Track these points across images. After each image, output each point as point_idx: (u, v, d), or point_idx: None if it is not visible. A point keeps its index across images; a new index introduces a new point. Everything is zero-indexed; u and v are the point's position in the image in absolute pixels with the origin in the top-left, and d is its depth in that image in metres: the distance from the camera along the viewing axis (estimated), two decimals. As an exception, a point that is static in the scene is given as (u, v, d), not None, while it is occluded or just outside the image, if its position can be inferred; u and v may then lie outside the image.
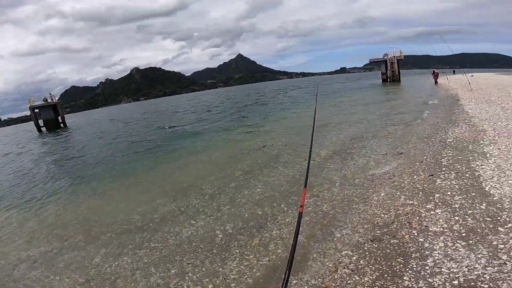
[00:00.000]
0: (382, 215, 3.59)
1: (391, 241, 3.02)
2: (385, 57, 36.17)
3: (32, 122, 37.92)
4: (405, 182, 4.42)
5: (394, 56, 35.60)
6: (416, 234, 3.05)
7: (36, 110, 36.41)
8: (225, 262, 3.31)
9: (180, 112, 32.71)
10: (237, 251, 3.48)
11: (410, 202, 3.78)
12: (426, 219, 3.28)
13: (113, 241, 4.29)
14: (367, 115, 11.88)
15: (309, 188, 4.83)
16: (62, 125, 37.63)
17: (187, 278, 3.16)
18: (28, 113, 36.94)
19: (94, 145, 15.38)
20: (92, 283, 3.38)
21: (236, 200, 4.97)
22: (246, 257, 3.34)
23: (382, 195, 4.14)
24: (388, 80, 36.27)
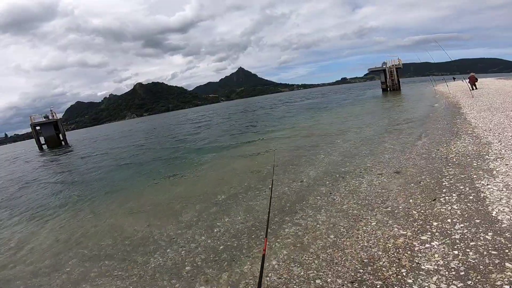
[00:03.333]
0: (370, 249, 3.06)
1: (375, 283, 2.51)
2: (384, 66, 35.98)
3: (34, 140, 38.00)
4: (400, 207, 3.88)
5: (393, 65, 35.40)
6: (405, 273, 2.55)
7: (38, 127, 36.56)
8: None
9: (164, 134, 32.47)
10: (202, 287, 3.06)
11: (403, 232, 3.25)
12: (419, 255, 2.78)
13: (79, 266, 4.04)
14: (364, 129, 11.34)
15: (292, 214, 4.32)
16: (63, 142, 37.59)
17: None
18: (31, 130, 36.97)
19: (85, 167, 14.98)
20: None
21: (214, 229, 4.44)
22: None
23: (372, 223, 3.59)
24: (388, 89, 35.93)
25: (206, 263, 3.51)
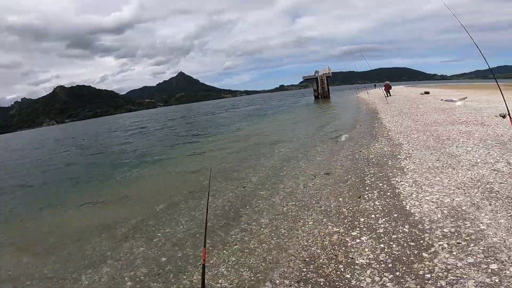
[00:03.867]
0: (310, 248, 3.24)
1: (318, 280, 2.64)
2: (316, 75, 39.21)
3: None
4: (332, 206, 4.22)
5: (324, 74, 38.83)
6: (342, 269, 2.73)
7: None
8: None
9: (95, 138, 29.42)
10: None
11: (336, 229, 3.52)
12: (352, 250, 3.02)
13: None
14: (299, 134, 12.14)
15: (237, 219, 4.30)
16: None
17: None
18: None
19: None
20: None
21: (153, 240, 4.12)
22: None
23: (309, 223, 3.82)
24: (320, 96, 39.20)
25: (150, 277, 3.27)
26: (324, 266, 2.85)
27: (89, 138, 29.26)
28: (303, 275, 2.78)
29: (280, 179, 6.01)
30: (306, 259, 3.02)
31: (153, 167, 9.85)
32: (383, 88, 23.44)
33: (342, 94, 45.32)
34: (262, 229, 3.94)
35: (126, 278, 3.34)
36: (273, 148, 9.75)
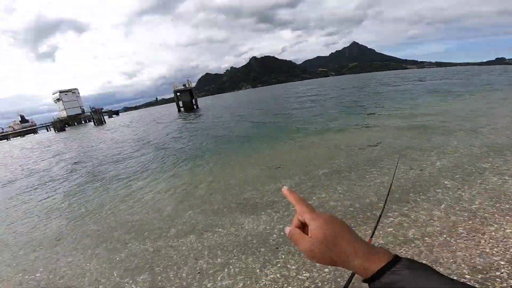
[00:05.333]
0: (491, 256, 2.64)
1: None
2: None
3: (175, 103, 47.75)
4: None
5: None
6: None
7: (178, 94, 45.43)
8: (265, 265, 3.20)
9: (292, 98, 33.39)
10: (283, 257, 3.29)
11: None
12: None
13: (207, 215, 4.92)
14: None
15: (401, 203, 4.03)
16: (195, 106, 45.58)
17: (226, 270, 3.25)
18: (173, 95, 46.52)
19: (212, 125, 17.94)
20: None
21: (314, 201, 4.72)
22: (287, 266, 3.12)
23: (507, 230, 3.00)
24: None
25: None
26: (498, 279, 2.33)
27: (284, 99, 34.61)
28: (462, 280, 2.35)
29: (478, 171, 4.82)
30: (478, 267, 2.51)
31: (327, 131, 10.58)
32: None
33: None
34: (431, 221, 3.46)
35: (275, 231, 3.88)
36: (477, 130, 7.60)
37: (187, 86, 45.22)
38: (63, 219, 5.99)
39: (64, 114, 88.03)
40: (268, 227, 4.03)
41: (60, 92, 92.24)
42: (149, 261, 3.72)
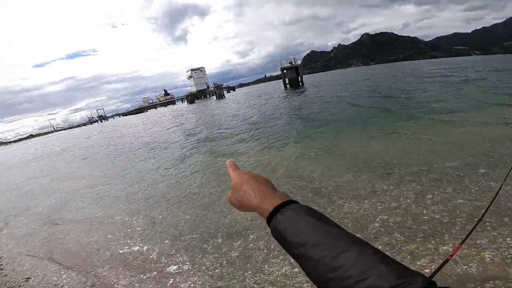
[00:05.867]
0: None
1: None
2: None
3: (281, 80, 49.36)
4: None
5: None
6: None
7: (284, 71, 46.62)
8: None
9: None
10: (380, 247, 2.90)
11: None
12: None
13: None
14: None
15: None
16: (300, 84, 46.00)
17: None
18: (279, 72, 48.11)
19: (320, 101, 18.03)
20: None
21: (426, 195, 4.14)
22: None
23: None
24: None
25: (398, 227, 3.44)
26: None
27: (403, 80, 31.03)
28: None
29: None
30: None
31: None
32: None
33: None
34: None
35: (377, 219, 3.68)
36: None
37: (293, 63, 45.67)
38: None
39: (194, 89, 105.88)
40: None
41: (192, 70, 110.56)
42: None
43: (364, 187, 4.76)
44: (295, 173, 6.02)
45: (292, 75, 45.55)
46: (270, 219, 0.49)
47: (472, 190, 4.05)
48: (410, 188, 4.41)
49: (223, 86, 67.88)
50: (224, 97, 62.20)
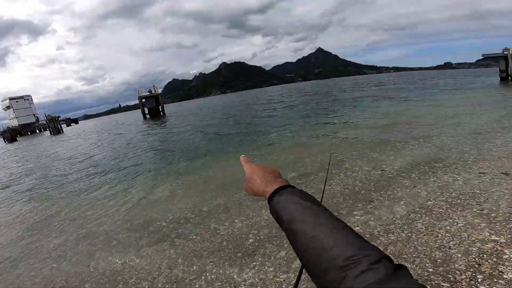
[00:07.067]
0: (448, 249, 2.88)
1: (441, 285, 2.42)
2: (506, 53, 28.82)
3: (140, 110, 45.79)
4: (500, 212, 3.40)
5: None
6: (480, 280, 2.38)
7: (143, 100, 43.69)
8: (243, 269, 3.21)
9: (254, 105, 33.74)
10: (260, 259, 3.34)
11: (496, 238, 2.92)
12: (507, 264, 2.51)
13: (154, 234, 4.60)
14: (470, 121, 9.58)
15: (367, 202, 4.27)
16: (162, 113, 44.11)
17: (203, 277, 3.20)
18: (138, 101, 44.60)
19: (176, 137, 17.46)
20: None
21: None
22: (265, 268, 3.16)
23: (459, 224, 3.30)
24: (510, 78, 28.83)
25: (268, 238, 3.74)
26: (457, 272, 2.53)
27: (250, 107, 34.75)
28: (425, 274, 2.58)
29: (432, 170, 5.25)
30: (438, 260, 2.73)
31: (293, 136, 10.84)
32: None
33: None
34: (394, 218, 3.72)
35: (250, 235, 3.93)
36: (429, 134, 8.17)
37: (153, 92, 43.71)
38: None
39: (15, 123, 79.88)
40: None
41: (10, 99, 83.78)
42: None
43: (231, 206, 5.00)
44: (165, 207, 5.16)
45: (152, 104, 43.30)
46: (270, 200, 0.59)
47: (312, 192, 4.66)
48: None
49: (60, 118, 54.87)
50: (62, 131, 50.29)
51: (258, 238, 3.83)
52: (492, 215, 3.38)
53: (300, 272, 0.66)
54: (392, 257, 0.43)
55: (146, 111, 43.29)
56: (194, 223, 4.68)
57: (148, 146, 14.74)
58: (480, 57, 33.98)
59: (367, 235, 3.39)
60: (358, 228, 3.60)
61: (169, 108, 67.01)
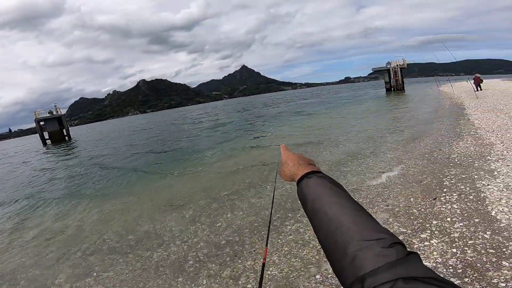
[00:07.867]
0: None
1: None
2: (388, 66, 35.87)
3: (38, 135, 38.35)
4: (401, 205, 3.93)
5: (397, 65, 35.28)
6: None
7: (42, 123, 36.84)
8: None
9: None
10: (205, 282, 3.12)
11: (403, 230, 3.31)
12: (418, 252, 2.79)
13: (83, 261, 4.12)
14: (367, 129, 11.38)
15: (294, 211, 4.39)
16: (66, 138, 37.86)
17: None
18: (35, 125, 37.31)
19: (86, 164, 15.17)
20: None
21: (216, 224, 4.53)
22: None
23: None
24: (392, 89, 35.83)
25: (209, 258, 3.59)
26: None
27: (172, 128, 32.88)
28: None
29: (343, 174, 5.82)
30: None
31: (221, 154, 10.66)
32: (472, 81, 20.18)
33: (419, 87, 40.52)
34: None
35: (189, 257, 3.70)
36: (337, 141, 9.39)
37: (54, 113, 37.36)
38: None
39: None
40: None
41: None
42: None
43: (166, 232, 4.64)
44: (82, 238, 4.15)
45: (54, 127, 36.85)
46: (299, 182, 0.63)
47: (243, 207, 5.02)
48: (202, 221, 4.75)
49: None
50: None
51: (197, 259, 3.62)
52: (396, 209, 3.86)
53: (262, 272, 0.68)
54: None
55: (47, 136, 36.55)
56: (121, 252, 4.11)
57: (51, 187, 12.21)
58: (371, 71, 41.35)
59: (299, 241, 3.45)
60: (291, 237, 3.62)
61: (77, 131, 58.42)
